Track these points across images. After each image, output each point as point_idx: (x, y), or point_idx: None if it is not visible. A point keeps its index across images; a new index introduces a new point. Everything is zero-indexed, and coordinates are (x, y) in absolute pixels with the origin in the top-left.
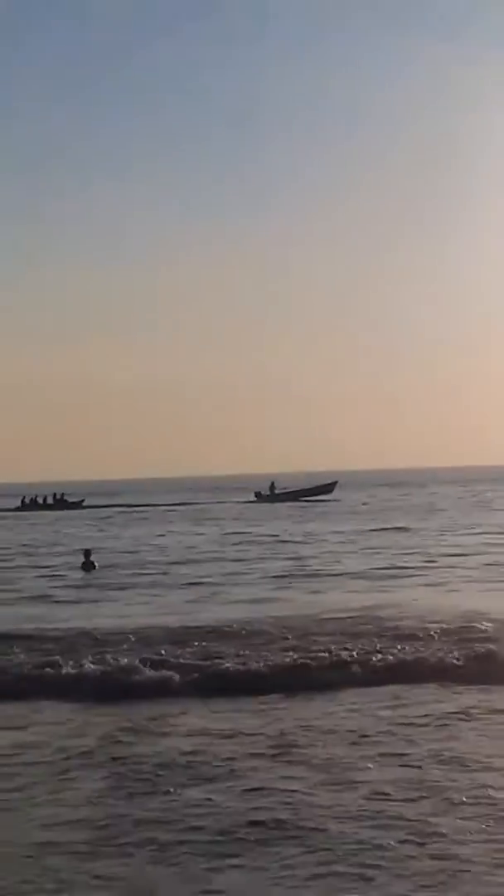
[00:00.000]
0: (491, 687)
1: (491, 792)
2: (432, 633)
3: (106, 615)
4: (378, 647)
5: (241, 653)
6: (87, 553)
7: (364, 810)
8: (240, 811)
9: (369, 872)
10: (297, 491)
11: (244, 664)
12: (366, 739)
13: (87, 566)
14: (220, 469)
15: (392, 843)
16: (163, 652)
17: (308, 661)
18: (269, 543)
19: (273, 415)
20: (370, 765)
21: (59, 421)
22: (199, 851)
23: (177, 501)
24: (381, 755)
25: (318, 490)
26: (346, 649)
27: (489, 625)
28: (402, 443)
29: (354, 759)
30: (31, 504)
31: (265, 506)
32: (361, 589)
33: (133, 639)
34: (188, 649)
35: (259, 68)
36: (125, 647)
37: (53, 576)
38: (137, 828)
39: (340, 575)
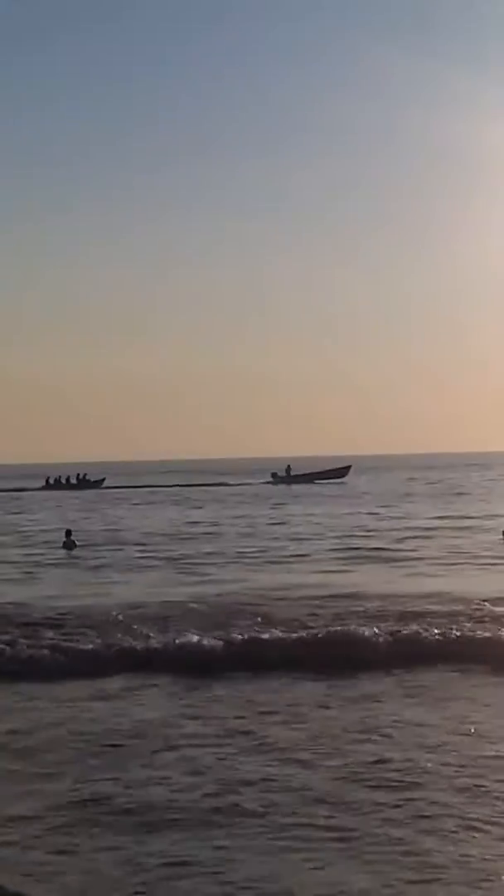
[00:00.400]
0: (440, 666)
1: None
2: (394, 613)
3: (81, 593)
4: (347, 626)
5: (213, 630)
6: (68, 532)
7: (322, 786)
8: (207, 781)
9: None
10: (311, 474)
11: (216, 640)
12: (326, 713)
13: (69, 545)
14: (222, 453)
15: (353, 818)
16: (135, 627)
17: (276, 638)
18: (250, 525)
19: (281, 406)
20: (332, 729)
21: (86, 410)
22: (173, 822)
23: (197, 483)
24: (341, 727)
25: (331, 473)
26: (311, 628)
27: (441, 607)
28: (397, 429)
29: (315, 729)
30: (55, 484)
31: (267, 488)
32: (333, 569)
33: (113, 614)
34: (160, 625)
35: (260, 74)
36: (98, 622)
37: (34, 554)
38: (109, 797)
39: (312, 556)
